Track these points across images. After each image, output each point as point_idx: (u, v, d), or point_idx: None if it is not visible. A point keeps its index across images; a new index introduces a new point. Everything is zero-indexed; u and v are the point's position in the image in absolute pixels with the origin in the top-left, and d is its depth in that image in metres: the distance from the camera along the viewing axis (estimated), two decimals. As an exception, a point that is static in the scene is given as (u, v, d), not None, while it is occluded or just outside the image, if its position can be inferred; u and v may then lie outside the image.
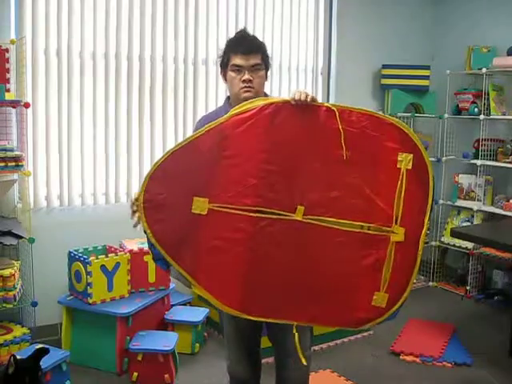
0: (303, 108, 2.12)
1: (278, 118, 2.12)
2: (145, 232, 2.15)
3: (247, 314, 2.14)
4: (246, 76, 2.27)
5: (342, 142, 2.10)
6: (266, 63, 2.36)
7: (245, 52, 2.28)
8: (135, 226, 2.18)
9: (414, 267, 2.13)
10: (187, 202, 2.12)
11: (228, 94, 2.46)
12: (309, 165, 2.13)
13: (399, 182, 2.11)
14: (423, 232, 2.12)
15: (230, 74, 2.32)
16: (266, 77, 2.39)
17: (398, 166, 2.12)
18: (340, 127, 2.09)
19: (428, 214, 2.13)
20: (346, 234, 2.12)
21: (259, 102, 2.14)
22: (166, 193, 2.13)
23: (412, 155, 2.11)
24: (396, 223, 2.11)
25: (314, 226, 2.12)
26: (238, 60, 2.28)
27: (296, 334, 2.16)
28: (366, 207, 2.13)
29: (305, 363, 2.21)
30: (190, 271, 2.14)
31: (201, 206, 2.11)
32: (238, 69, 2.29)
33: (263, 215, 2.11)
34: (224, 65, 2.36)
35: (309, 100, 2.10)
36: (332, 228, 2.12)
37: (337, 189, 2.13)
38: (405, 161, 2.11)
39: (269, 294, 2.13)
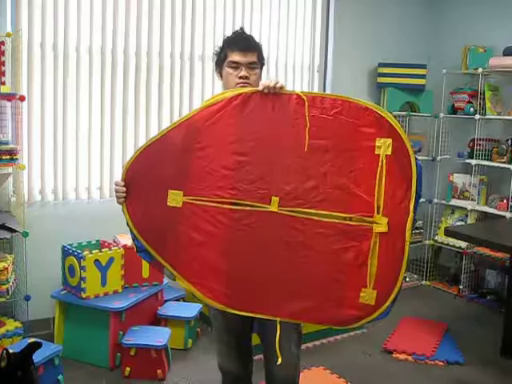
0: (273, 97, 2.10)
1: (247, 108, 2.11)
2: (127, 224, 2.19)
3: (230, 307, 2.12)
4: (243, 72, 2.29)
5: (307, 132, 2.07)
6: (261, 63, 2.39)
7: (242, 49, 2.31)
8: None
9: (402, 260, 2.02)
10: (163, 195, 2.14)
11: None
12: (283, 155, 2.10)
13: (379, 169, 2.03)
14: (409, 220, 2.01)
15: (227, 70, 2.33)
16: (261, 76, 2.41)
17: (376, 152, 2.04)
18: (306, 117, 2.07)
19: (413, 200, 2.02)
20: (325, 226, 2.06)
21: (227, 94, 2.14)
22: (142, 186, 2.17)
23: (391, 140, 2.03)
24: (378, 213, 2.03)
25: (291, 217, 2.08)
26: (235, 56, 2.30)
27: (278, 329, 2.11)
28: (344, 197, 2.06)
29: (280, 362, 2.16)
30: (172, 264, 2.16)
31: (176, 198, 2.13)
32: (235, 65, 2.31)
33: (238, 207, 2.10)
34: (220, 62, 2.38)
35: (277, 87, 2.09)
36: (310, 219, 2.07)
37: (312, 179, 2.08)
38: (383, 146, 2.03)
39: (251, 288, 2.11)
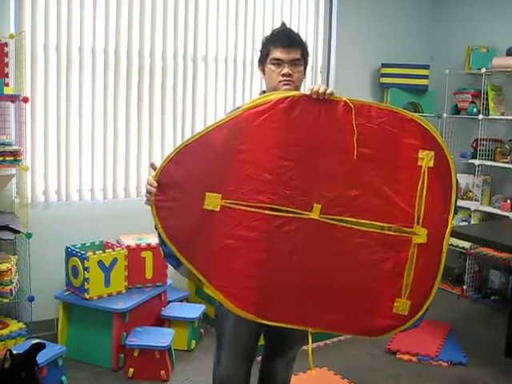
0: (320, 102, 2.05)
1: (294, 112, 2.05)
2: (156, 228, 2.09)
3: (262, 318, 2.05)
4: (286, 70, 2.20)
5: (354, 140, 2.03)
6: (305, 60, 2.29)
7: (285, 46, 2.21)
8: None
9: (437, 272, 2.05)
10: (199, 197, 2.04)
11: (263, 89, 2.37)
12: (326, 162, 2.06)
13: (420, 181, 2.04)
14: (447, 233, 2.03)
15: (270, 67, 2.24)
16: (305, 73, 2.32)
17: (419, 164, 2.05)
18: (354, 125, 2.03)
19: (452, 213, 2.04)
20: (366, 235, 2.05)
21: (274, 96, 2.08)
22: (177, 187, 2.06)
23: (433, 152, 2.05)
24: (418, 224, 2.04)
25: (331, 225, 2.05)
26: (278, 53, 2.21)
27: (310, 341, 2.07)
28: (386, 207, 2.05)
29: (313, 371, 2.18)
30: (201, 270, 2.05)
31: (214, 202, 2.04)
32: (278, 62, 2.21)
33: (278, 213, 2.03)
34: (263, 58, 2.29)
35: (328, 93, 2.04)
36: (351, 228, 2.04)
37: (355, 187, 2.05)
38: (426, 158, 2.05)
39: (285, 298, 2.05)
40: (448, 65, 5.24)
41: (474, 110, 5.02)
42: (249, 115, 2.06)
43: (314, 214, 2.05)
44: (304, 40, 2.32)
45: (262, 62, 2.30)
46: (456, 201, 2.07)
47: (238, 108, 2.17)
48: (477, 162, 4.94)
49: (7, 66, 3.52)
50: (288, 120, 2.06)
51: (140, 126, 4.22)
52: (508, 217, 4.72)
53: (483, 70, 4.82)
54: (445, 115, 5.25)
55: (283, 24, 2.38)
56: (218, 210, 2.04)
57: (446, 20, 5.58)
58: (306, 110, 2.06)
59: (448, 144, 5.16)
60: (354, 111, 2.04)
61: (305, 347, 3.68)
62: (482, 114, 4.89)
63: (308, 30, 4.99)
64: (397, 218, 2.05)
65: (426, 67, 5.20)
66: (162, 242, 2.11)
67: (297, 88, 2.23)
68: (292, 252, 2.05)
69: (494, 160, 4.94)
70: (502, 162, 4.85)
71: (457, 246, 5.07)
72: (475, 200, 5.09)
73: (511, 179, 4.85)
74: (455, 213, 2.07)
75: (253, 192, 2.04)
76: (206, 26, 4.42)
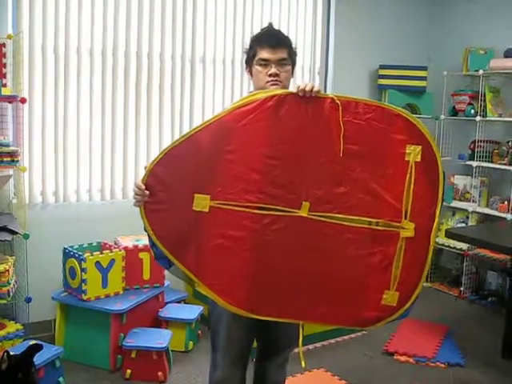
0: (307, 100, 2.06)
1: (281, 110, 2.06)
2: (145, 230, 2.10)
3: (254, 313, 2.08)
4: (273, 70, 2.20)
5: (341, 137, 2.05)
6: (292, 59, 2.29)
7: (272, 46, 2.21)
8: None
9: (425, 263, 2.09)
10: (188, 199, 2.05)
11: (251, 90, 2.37)
12: (314, 159, 2.07)
13: (408, 176, 2.07)
14: (434, 226, 2.07)
15: (257, 68, 2.24)
16: (292, 73, 2.32)
17: (406, 159, 2.07)
18: (341, 122, 2.04)
19: (439, 207, 2.09)
20: (354, 231, 2.08)
21: (261, 95, 2.08)
22: (166, 189, 2.07)
23: (421, 147, 2.07)
24: (405, 218, 2.07)
25: (320, 222, 2.07)
26: (264, 54, 2.21)
27: (301, 333, 2.11)
28: (373, 202, 2.07)
29: (304, 366, 2.16)
30: (193, 270, 2.07)
31: (202, 203, 2.05)
32: (265, 63, 2.21)
33: (267, 212, 2.05)
34: (249, 59, 2.29)
35: (314, 91, 2.04)
36: (339, 224, 2.07)
37: (343, 184, 2.07)
38: (413, 153, 2.07)
39: (275, 293, 2.09)
40: (446, 66, 5.25)
41: (472, 111, 5.02)
42: (235, 115, 2.07)
43: (303, 212, 2.07)
44: (291, 40, 2.32)
45: (249, 63, 2.30)
46: (443, 195, 2.10)
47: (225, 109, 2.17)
48: (474, 163, 4.95)
49: (5, 67, 3.52)
50: (275, 118, 2.06)
51: (138, 127, 4.22)
52: (505, 218, 4.72)
53: (481, 72, 4.83)
54: (442, 117, 5.25)
55: (269, 24, 2.38)
56: (207, 210, 2.06)
57: (444, 21, 5.59)
58: (293, 108, 2.07)
59: (445, 146, 5.25)
60: (340, 108, 2.05)
61: (309, 346, 3.76)
62: (480, 115, 4.89)
63: (306, 31, 4.98)
64: (385, 213, 2.08)
65: (424, 69, 5.21)
66: (152, 244, 2.13)
67: (284, 88, 2.23)
68: (281, 249, 2.08)
69: (492, 162, 4.95)
70: (500, 164, 4.86)
71: (454, 248, 5.09)
72: (473, 201, 5.09)
73: (508, 181, 4.85)
74: (441, 204, 2.11)
75: (241, 192, 2.05)
76: (204, 28, 4.42)
